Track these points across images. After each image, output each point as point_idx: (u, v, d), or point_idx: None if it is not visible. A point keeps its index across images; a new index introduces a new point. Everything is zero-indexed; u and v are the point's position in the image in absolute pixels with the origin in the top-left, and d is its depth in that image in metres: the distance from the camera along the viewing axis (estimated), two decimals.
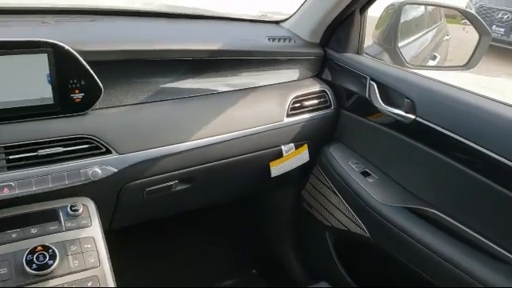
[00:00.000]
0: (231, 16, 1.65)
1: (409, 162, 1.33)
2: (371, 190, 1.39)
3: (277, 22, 1.66)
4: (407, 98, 1.29)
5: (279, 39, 1.49)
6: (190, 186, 1.34)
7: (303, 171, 1.62)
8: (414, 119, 1.26)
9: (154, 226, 1.61)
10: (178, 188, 1.32)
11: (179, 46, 1.27)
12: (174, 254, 1.84)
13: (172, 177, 1.27)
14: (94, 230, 1.06)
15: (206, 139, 1.26)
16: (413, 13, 1.98)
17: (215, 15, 1.62)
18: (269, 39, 1.48)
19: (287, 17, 1.66)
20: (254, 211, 1.96)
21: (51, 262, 0.95)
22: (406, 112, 1.29)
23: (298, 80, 1.53)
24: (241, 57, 1.38)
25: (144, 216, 1.41)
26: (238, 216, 1.95)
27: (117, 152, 1.12)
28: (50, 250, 0.97)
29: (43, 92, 1.05)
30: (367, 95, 1.41)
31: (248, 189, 1.63)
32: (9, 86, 1.02)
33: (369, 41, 1.65)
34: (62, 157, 1.06)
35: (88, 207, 1.09)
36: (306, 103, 1.47)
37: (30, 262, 0.94)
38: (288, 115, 1.43)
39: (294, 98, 1.44)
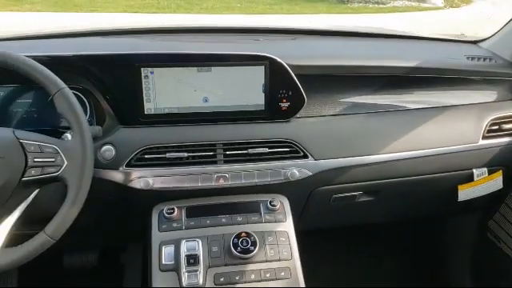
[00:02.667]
0: (427, 36, 1.64)
1: None
2: None
3: (475, 42, 1.60)
4: None
5: (478, 58, 1.44)
6: (374, 199, 1.37)
7: (493, 199, 1.51)
8: None
9: (331, 232, 1.68)
10: (362, 199, 1.37)
11: (378, 62, 1.32)
12: (346, 262, 1.88)
13: (358, 187, 1.32)
14: (288, 226, 1.18)
15: (394, 154, 1.29)
16: None
17: (412, 35, 1.64)
18: (467, 58, 1.43)
19: (486, 37, 1.59)
20: (433, 234, 1.89)
21: (252, 248, 1.09)
22: None
23: (497, 101, 1.45)
24: (439, 75, 1.38)
25: (327, 221, 1.49)
26: (414, 236, 1.90)
27: (313, 157, 1.22)
28: (252, 238, 1.10)
29: (257, 99, 1.21)
30: None
31: (431, 209, 1.59)
32: (230, 92, 1.20)
33: None
34: (266, 156, 1.20)
35: (284, 204, 1.21)
36: (506, 126, 1.38)
37: (235, 245, 1.09)
38: (484, 137, 1.36)
39: (493, 119, 1.38)
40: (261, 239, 1.11)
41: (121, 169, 1.13)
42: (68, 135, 1.05)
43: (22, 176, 0.93)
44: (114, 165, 1.13)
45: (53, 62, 1.05)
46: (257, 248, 1.09)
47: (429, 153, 1.32)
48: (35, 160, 0.94)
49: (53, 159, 0.94)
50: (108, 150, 1.13)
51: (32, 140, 0.95)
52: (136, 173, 1.13)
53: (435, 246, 1.91)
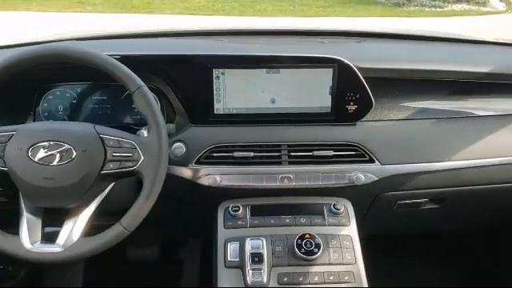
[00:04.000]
0: (496, 40, 1.58)
1: None
2: None
3: None
4: None
5: None
6: (439, 207, 1.34)
7: None
8: None
9: (392, 238, 1.65)
10: (427, 207, 1.33)
11: (448, 67, 1.29)
12: (409, 270, 1.83)
13: (423, 194, 1.29)
14: (352, 230, 1.17)
15: (463, 161, 1.24)
16: None
17: (481, 40, 1.58)
18: None
19: None
20: (499, 244, 1.81)
21: (316, 250, 1.08)
22: None
23: None
24: (510, 81, 1.32)
25: (390, 228, 1.46)
26: (479, 244, 1.83)
27: (379, 162, 1.20)
28: (316, 240, 1.09)
29: (323, 102, 1.21)
30: None
31: (498, 220, 1.53)
32: (297, 94, 1.20)
33: None
34: (331, 159, 1.20)
35: (347, 208, 1.20)
36: None
37: (299, 246, 1.09)
38: None
39: None
40: (324, 242, 1.11)
41: (190, 166, 1.17)
42: (144, 131, 1.09)
43: (101, 169, 0.98)
44: (184, 161, 1.16)
45: (129, 61, 1.08)
46: (320, 250, 1.08)
47: (499, 161, 1.27)
48: (114, 154, 0.98)
49: (130, 154, 0.99)
50: (179, 147, 1.16)
51: (111, 135, 1.00)
52: (204, 170, 1.16)
53: (501, 257, 1.83)
